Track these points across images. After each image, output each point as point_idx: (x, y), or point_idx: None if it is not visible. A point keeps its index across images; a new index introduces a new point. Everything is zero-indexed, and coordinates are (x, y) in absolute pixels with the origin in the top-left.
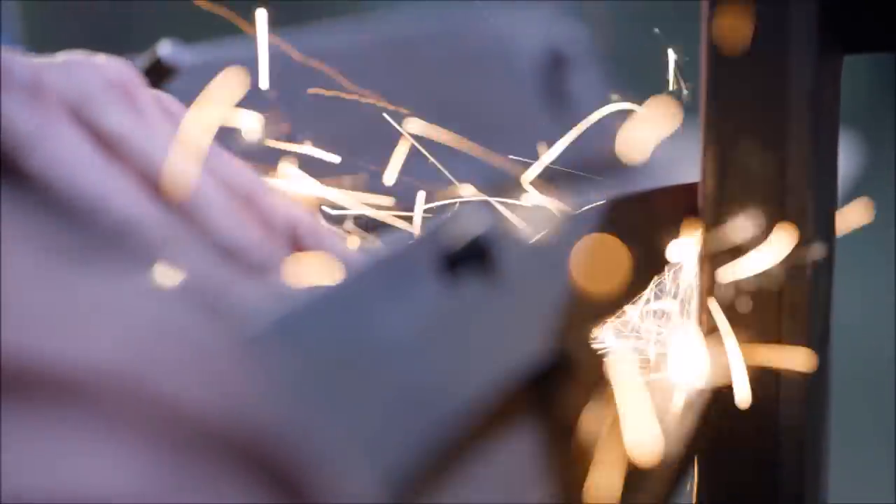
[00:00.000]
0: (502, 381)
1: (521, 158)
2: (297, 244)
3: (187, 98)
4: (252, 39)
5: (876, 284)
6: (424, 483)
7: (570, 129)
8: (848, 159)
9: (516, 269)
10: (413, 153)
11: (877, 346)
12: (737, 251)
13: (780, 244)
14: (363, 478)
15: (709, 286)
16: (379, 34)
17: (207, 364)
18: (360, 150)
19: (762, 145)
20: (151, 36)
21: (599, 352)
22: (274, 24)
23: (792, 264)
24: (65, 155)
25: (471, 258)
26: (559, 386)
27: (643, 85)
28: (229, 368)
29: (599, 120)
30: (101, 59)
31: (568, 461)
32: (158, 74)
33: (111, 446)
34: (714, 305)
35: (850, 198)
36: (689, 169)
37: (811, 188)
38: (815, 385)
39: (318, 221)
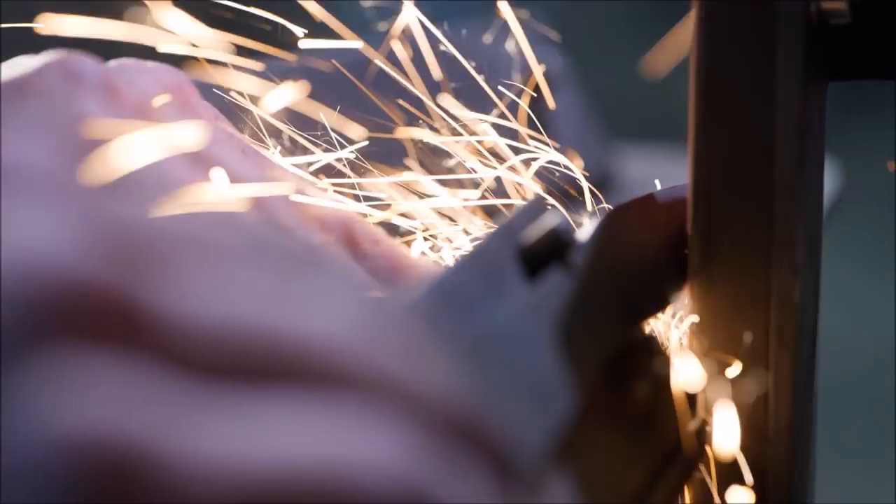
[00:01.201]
0: (592, 373)
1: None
2: (354, 246)
3: None
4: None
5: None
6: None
7: (552, 150)
8: (827, 183)
9: (586, 263)
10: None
11: (877, 346)
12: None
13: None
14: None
15: (699, 310)
16: (355, 55)
17: (423, 347)
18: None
19: (750, 173)
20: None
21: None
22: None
23: (780, 291)
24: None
25: (549, 252)
26: (632, 377)
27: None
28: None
29: (582, 143)
30: (153, 64)
31: (646, 449)
32: None
33: (377, 425)
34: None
35: (829, 219)
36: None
37: (800, 216)
38: (803, 413)
39: (369, 223)
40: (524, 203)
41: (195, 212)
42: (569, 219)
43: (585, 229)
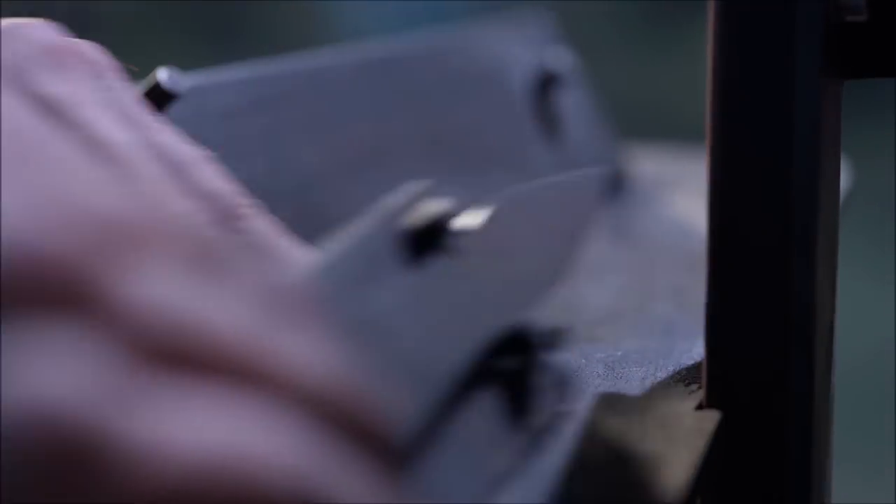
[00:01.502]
0: (473, 356)
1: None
2: (233, 223)
3: (185, 122)
4: (251, 64)
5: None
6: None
7: (560, 152)
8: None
9: (473, 248)
10: (391, 177)
11: (877, 346)
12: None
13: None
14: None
15: (715, 301)
16: (364, 57)
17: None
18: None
19: (768, 172)
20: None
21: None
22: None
23: (799, 290)
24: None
25: (430, 237)
26: (515, 364)
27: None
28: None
29: (591, 142)
30: (29, 22)
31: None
32: (157, 99)
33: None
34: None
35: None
36: (683, 193)
37: (818, 214)
38: (821, 411)
39: (244, 200)
40: (407, 188)
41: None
42: (454, 204)
43: (473, 216)
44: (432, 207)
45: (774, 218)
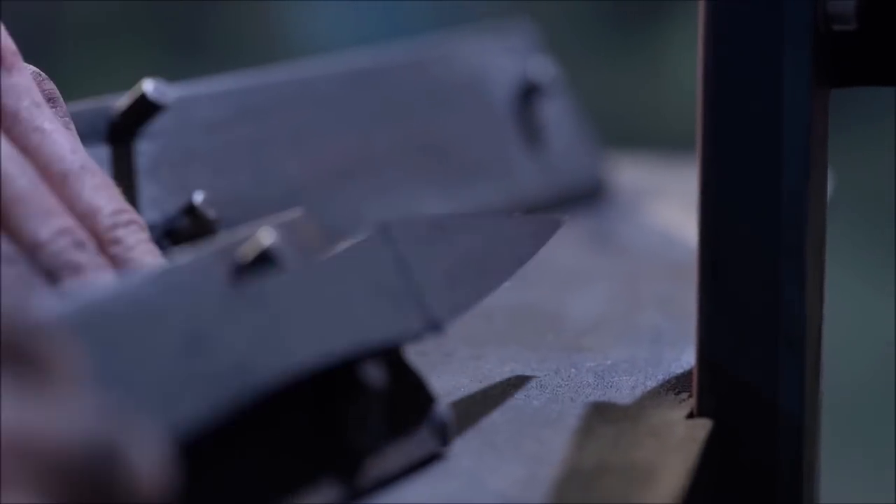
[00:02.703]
0: (288, 377)
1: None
2: (98, 238)
3: (171, 133)
4: (238, 74)
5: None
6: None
7: (543, 161)
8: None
9: (310, 275)
10: (375, 188)
11: (877, 346)
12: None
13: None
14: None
15: (706, 309)
16: (348, 68)
17: None
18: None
19: (758, 180)
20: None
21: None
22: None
23: (788, 298)
24: None
25: (261, 270)
26: (339, 394)
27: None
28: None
29: (574, 152)
30: None
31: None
32: (143, 111)
33: None
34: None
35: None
36: (665, 202)
37: (806, 221)
38: (811, 416)
39: (129, 220)
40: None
41: None
42: (296, 237)
43: (307, 243)
44: (263, 240)
45: (764, 226)
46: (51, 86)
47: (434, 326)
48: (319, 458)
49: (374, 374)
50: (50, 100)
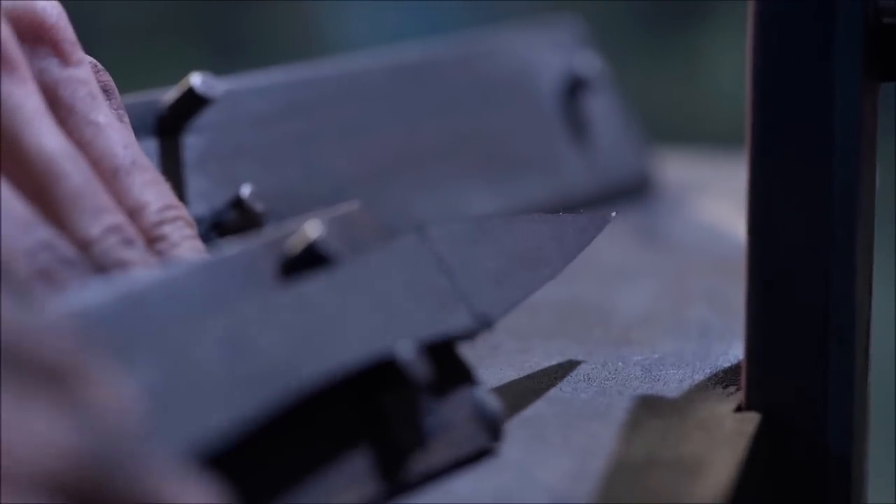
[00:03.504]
0: (332, 375)
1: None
2: (145, 235)
3: (218, 127)
4: (285, 68)
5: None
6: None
7: (590, 156)
8: None
9: (355, 274)
10: (423, 183)
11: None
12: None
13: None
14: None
15: (755, 303)
16: (395, 62)
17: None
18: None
19: (808, 175)
20: None
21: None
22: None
23: (839, 294)
24: None
25: (308, 263)
26: (385, 389)
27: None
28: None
29: (620, 146)
30: None
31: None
32: (190, 105)
33: None
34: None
35: None
36: (712, 197)
37: (857, 215)
38: (860, 410)
39: (176, 217)
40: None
41: None
42: (338, 233)
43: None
44: (311, 234)
45: (814, 219)
46: (107, 77)
47: (483, 322)
48: (365, 453)
49: (419, 369)
50: (105, 91)
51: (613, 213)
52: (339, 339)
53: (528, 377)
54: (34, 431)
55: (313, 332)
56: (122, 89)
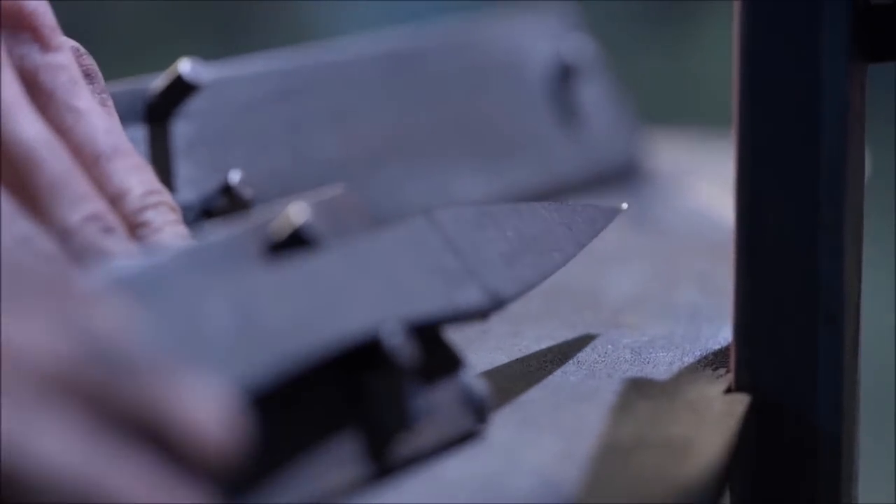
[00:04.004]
0: (319, 352)
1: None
2: (127, 221)
3: (207, 114)
4: (274, 55)
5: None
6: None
7: (580, 141)
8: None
9: (341, 257)
10: (411, 169)
11: (877, 345)
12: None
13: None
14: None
15: (743, 284)
16: (384, 48)
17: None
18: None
19: (795, 156)
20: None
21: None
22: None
23: (827, 274)
24: None
25: (293, 246)
26: (371, 371)
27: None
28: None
29: (610, 131)
30: None
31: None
32: (179, 91)
33: None
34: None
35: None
36: (703, 180)
37: (844, 196)
38: (850, 391)
39: (158, 202)
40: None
41: None
42: (324, 216)
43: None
44: (294, 215)
45: (802, 201)
46: (89, 61)
47: (496, 299)
48: (350, 435)
49: (405, 350)
50: (87, 76)
51: (624, 205)
52: (330, 317)
53: (518, 360)
54: (35, 340)
55: (302, 308)
56: (124, 76)
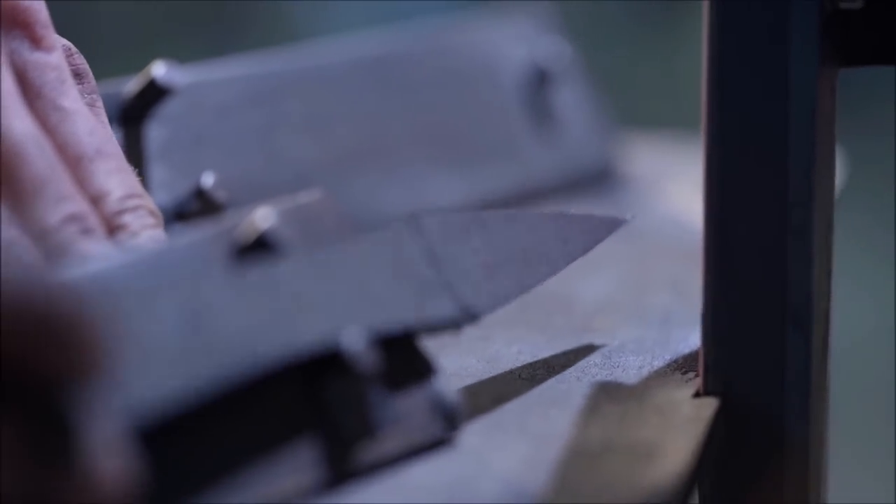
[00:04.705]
0: (281, 358)
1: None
2: (106, 223)
3: (181, 117)
4: (249, 58)
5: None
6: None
7: (556, 146)
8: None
9: (307, 263)
10: (386, 173)
11: (877, 345)
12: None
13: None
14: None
15: (712, 288)
16: (358, 53)
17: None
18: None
19: (764, 160)
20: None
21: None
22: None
23: (796, 277)
24: None
25: (258, 251)
26: (332, 378)
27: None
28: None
29: (585, 135)
30: None
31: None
32: (153, 95)
33: None
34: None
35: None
36: (677, 184)
37: (813, 201)
38: (818, 396)
39: (137, 206)
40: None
41: None
42: (293, 222)
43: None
44: (261, 223)
45: (771, 206)
46: (80, 60)
47: (468, 314)
48: (310, 441)
49: (366, 357)
50: (77, 75)
51: (629, 216)
52: (289, 323)
53: (488, 364)
54: None
55: (262, 314)
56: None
